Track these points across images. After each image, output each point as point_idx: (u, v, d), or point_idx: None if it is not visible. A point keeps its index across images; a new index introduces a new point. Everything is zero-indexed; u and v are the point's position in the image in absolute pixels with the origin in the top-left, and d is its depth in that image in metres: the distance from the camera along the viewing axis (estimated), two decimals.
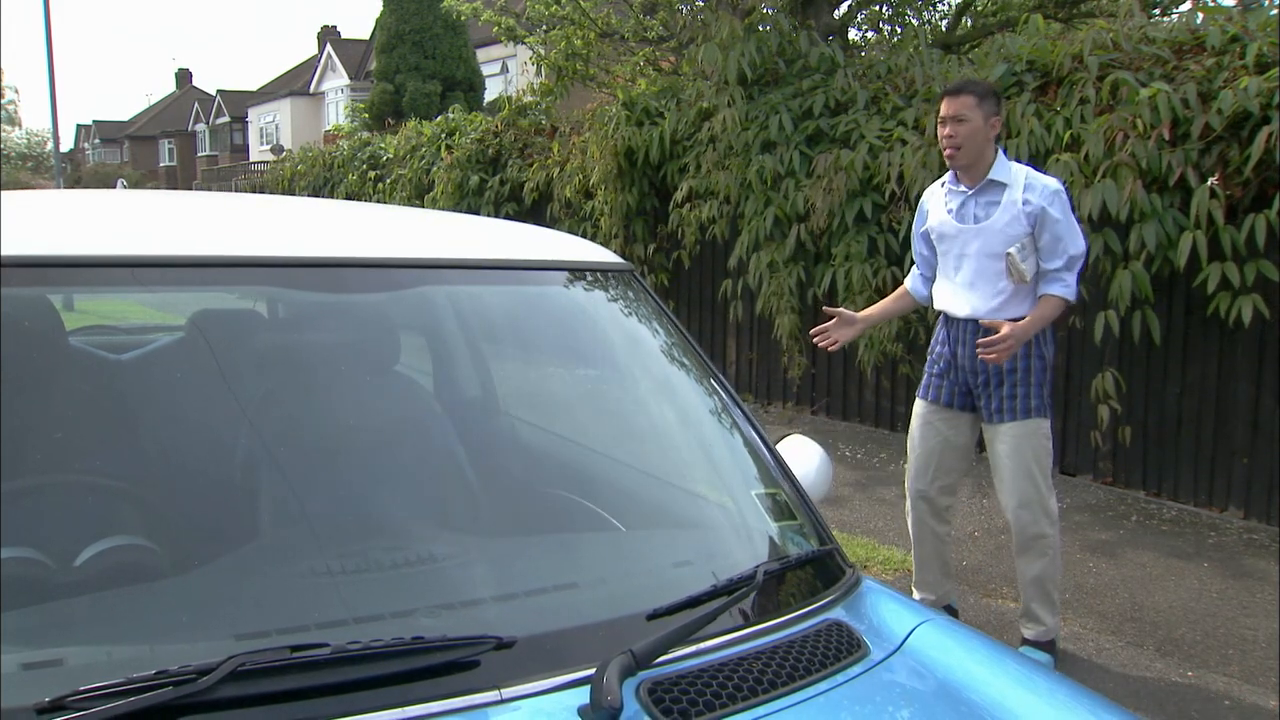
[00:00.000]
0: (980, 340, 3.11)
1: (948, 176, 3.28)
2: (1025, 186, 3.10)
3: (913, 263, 3.54)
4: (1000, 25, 8.36)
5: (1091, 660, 3.39)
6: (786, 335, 6.63)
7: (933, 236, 3.33)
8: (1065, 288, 3.12)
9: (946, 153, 3.18)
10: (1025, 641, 3.31)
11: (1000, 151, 3.20)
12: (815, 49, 6.74)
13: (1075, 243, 3.11)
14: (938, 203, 3.31)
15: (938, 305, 3.35)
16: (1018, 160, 3.23)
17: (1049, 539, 3.21)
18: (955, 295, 3.25)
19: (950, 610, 3.58)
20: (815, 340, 3.44)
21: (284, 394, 1.53)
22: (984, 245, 3.14)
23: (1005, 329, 3.05)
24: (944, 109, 3.16)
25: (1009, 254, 3.07)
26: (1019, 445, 3.18)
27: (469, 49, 23.98)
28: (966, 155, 3.14)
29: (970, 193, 3.19)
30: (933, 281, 3.42)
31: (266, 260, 1.46)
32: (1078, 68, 5.16)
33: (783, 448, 1.86)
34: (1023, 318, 3.10)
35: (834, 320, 3.42)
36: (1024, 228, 3.08)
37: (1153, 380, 5.05)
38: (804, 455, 1.88)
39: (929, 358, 3.42)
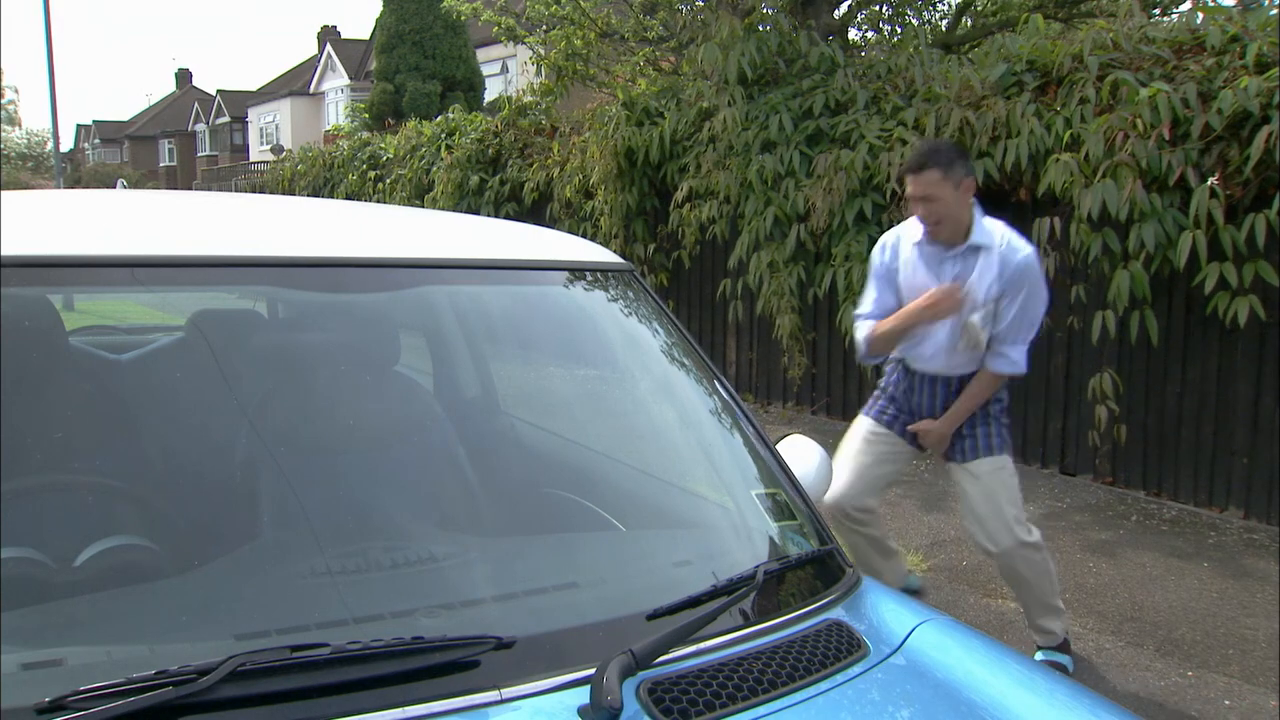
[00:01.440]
0: (911, 427, 3.11)
1: (918, 232, 3.08)
2: (1003, 250, 2.96)
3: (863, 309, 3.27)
4: (1000, 25, 8.36)
5: (1091, 660, 3.39)
6: (786, 335, 6.63)
7: (902, 289, 3.14)
8: (1010, 365, 3.05)
9: (926, 228, 3.01)
10: (1040, 648, 3.29)
11: (975, 208, 3.03)
12: (815, 49, 6.74)
13: (1037, 315, 3.01)
14: (909, 256, 3.11)
15: (895, 353, 3.24)
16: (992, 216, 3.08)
17: (1030, 559, 3.13)
18: (915, 351, 3.15)
19: (912, 591, 3.58)
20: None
21: (284, 394, 1.53)
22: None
23: (927, 425, 3.11)
24: (910, 188, 2.97)
25: (969, 322, 2.98)
26: (988, 481, 3.12)
27: (469, 49, 23.97)
28: (948, 229, 2.98)
29: (947, 256, 3.04)
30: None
31: (266, 260, 1.46)
32: (1078, 68, 5.16)
33: (783, 448, 1.86)
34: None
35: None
36: (995, 294, 2.97)
37: (1152, 380, 5.05)
38: (804, 455, 1.89)
39: (881, 386, 3.32)
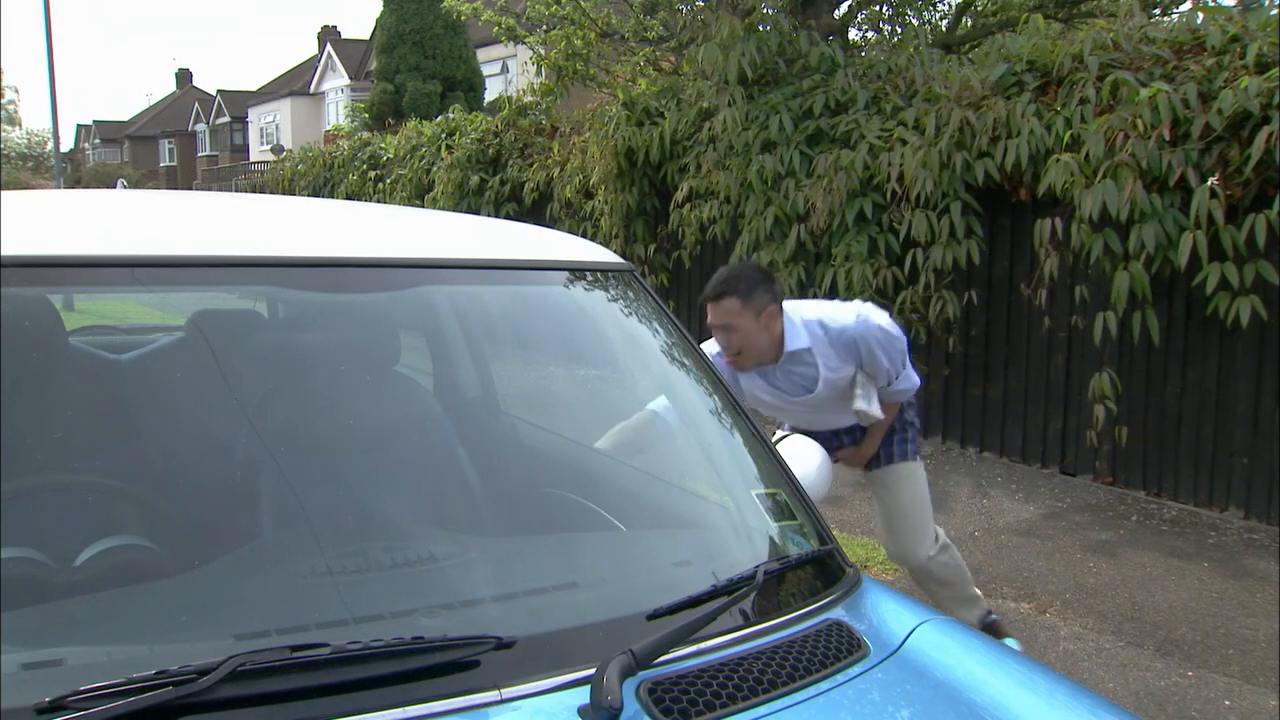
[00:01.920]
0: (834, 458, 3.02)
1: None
2: (829, 338, 2.85)
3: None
4: (1000, 25, 8.36)
5: (1092, 660, 3.39)
6: None
7: (758, 401, 3.05)
8: (903, 393, 3.04)
9: (727, 359, 2.88)
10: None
11: (785, 322, 2.85)
12: (815, 49, 6.74)
13: (900, 348, 2.92)
14: (758, 386, 3.00)
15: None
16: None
17: (944, 563, 3.16)
18: (805, 427, 3.12)
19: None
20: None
21: (284, 394, 1.53)
22: (830, 398, 2.94)
23: (846, 454, 3.12)
24: (710, 316, 2.83)
25: (857, 411, 2.92)
26: (915, 483, 3.16)
27: (469, 49, 23.97)
28: (750, 358, 2.86)
29: (775, 367, 2.92)
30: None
31: (266, 260, 1.46)
32: (1078, 68, 5.16)
33: (783, 448, 1.86)
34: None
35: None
36: (850, 370, 2.89)
37: (1153, 380, 5.05)
38: (804, 455, 1.89)
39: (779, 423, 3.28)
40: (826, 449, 3.08)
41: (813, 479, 1.83)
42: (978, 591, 3.32)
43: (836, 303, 3.01)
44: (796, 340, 2.84)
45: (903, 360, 2.98)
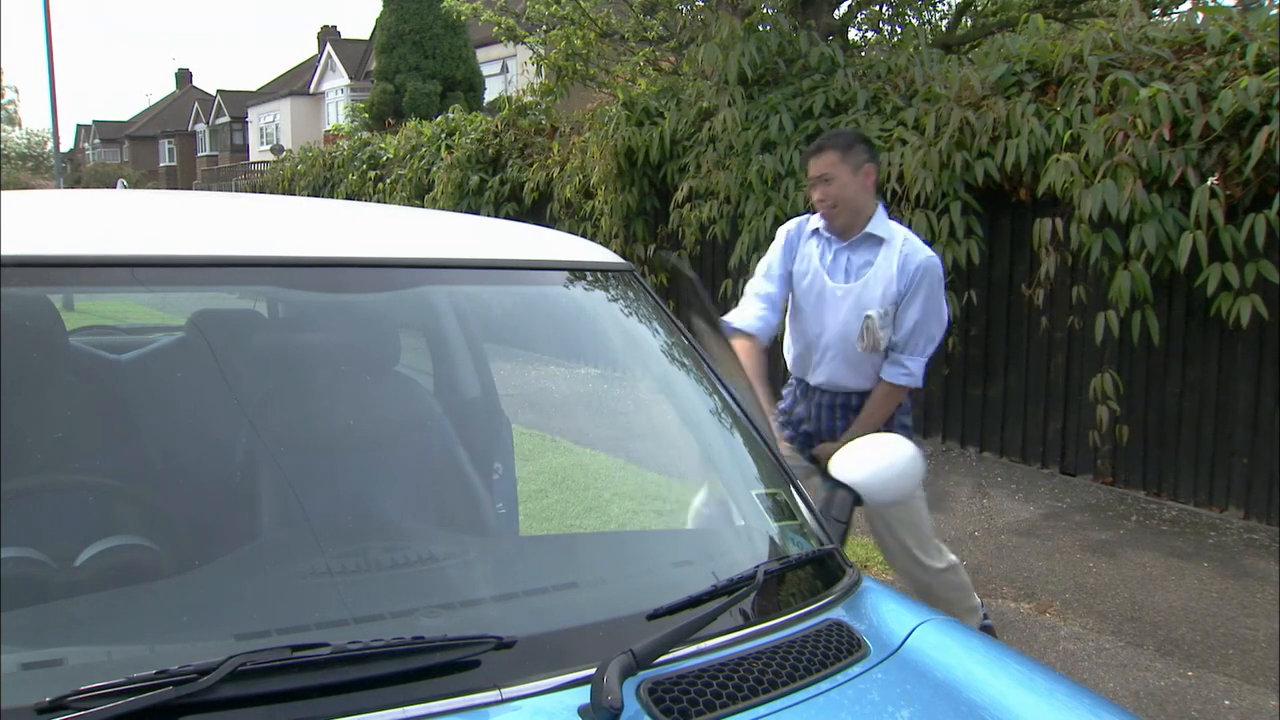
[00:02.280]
0: (814, 451, 2.94)
1: (820, 222, 3.00)
2: (904, 249, 2.89)
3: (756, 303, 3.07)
4: (1000, 25, 8.36)
5: (1091, 660, 3.39)
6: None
7: (798, 287, 3.03)
8: (907, 377, 2.92)
9: (821, 212, 2.94)
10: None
11: (880, 206, 2.97)
12: (815, 49, 6.74)
13: (938, 324, 2.91)
14: (808, 249, 3.01)
15: (794, 369, 3.13)
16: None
17: (948, 582, 3.09)
18: (812, 361, 3.03)
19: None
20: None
21: (284, 394, 1.53)
22: (853, 309, 2.91)
23: (827, 448, 2.86)
24: (810, 169, 2.93)
25: (868, 315, 2.86)
26: (902, 508, 2.97)
27: (469, 49, 23.97)
28: (843, 213, 2.90)
29: (844, 246, 2.95)
30: (775, 323, 3.06)
31: (266, 260, 1.46)
32: (1078, 68, 5.16)
33: (870, 443, 1.81)
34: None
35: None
36: (894, 293, 2.87)
37: (1153, 380, 5.05)
38: (895, 451, 1.83)
39: (780, 409, 3.19)
40: (808, 438, 3.09)
41: (903, 470, 1.76)
42: (977, 601, 3.25)
43: None
44: (882, 227, 2.93)
45: (929, 338, 2.93)
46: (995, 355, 5.82)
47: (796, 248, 3.05)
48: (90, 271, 1.34)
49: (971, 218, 5.55)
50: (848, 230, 2.95)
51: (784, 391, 3.22)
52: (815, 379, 3.05)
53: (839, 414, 3.06)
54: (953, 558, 3.14)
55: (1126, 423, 5.10)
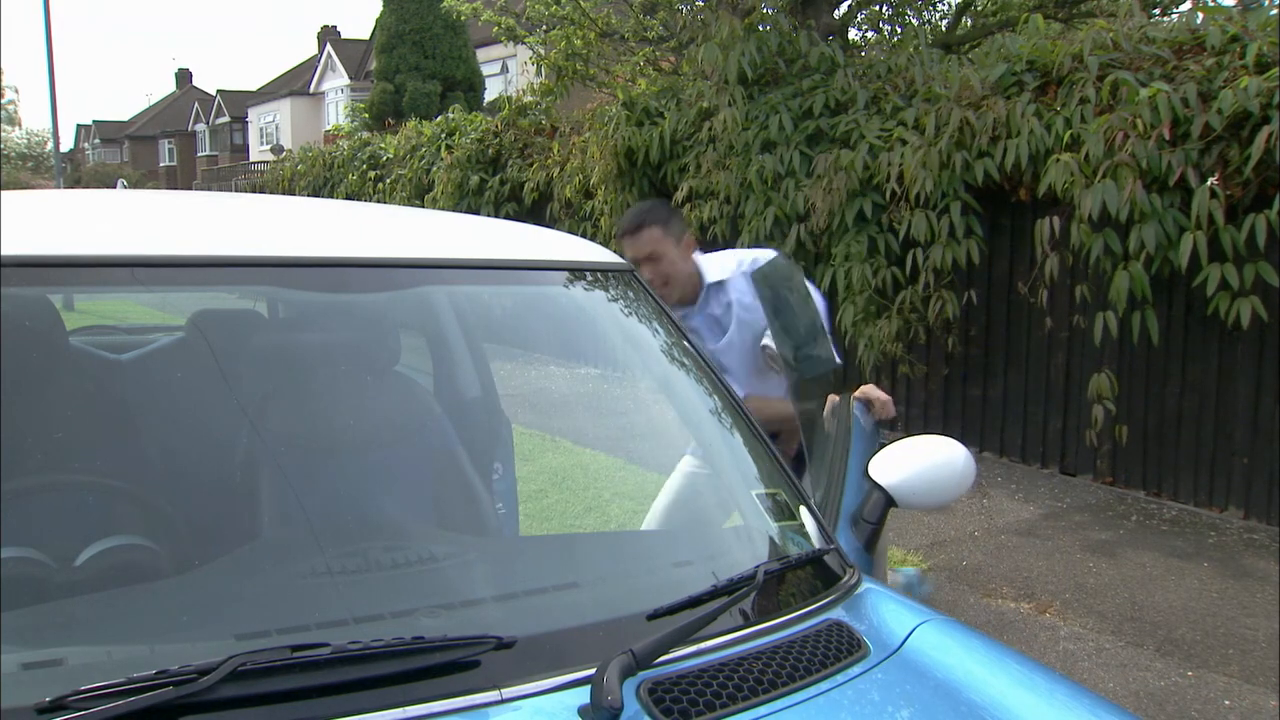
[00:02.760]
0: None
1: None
2: (746, 268, 2.78)
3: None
4: (1000, 25, 8.36)
5: (1091, 660, 3.39)
6: None
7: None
8: (822, 363, 2.70)
9: (660, 292, 2.72)
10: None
11: (697, 257, 2.84)
12: (815, 49, 6.74)
13: (817, 307, 2.76)
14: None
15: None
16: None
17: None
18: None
19: None
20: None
21: (284, 394, 1.53)
22: (741, 352, 2.81)
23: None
24: (630, 251, 2.74)
25: (764, 346, 2.75)
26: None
27: (469, 49, 23.97)
28: (677, 287, 2.79)
29: (695, 310, 2.83)
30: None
31: (266, 260, 1.46)
32: (1078, 68, 5.16)
33: (919, 443, 1.78)
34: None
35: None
36: (760, 316, 2.74)
37: (1153, 380, 5.05)
38: (946, 453, 1.79)
39: None
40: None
41: (959, 474, 1.73)
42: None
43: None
44: (715, 273, 2.80)
45: (820, 316, 2.74)
46: (995, 355, 5.82)
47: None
48: (90, 271, 1.34)
49: (971, 218, 5.55)
50: (689, 298, 2.83)
51: None
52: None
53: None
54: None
55: (1127, 422, 5.10)
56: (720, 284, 2.80)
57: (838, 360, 2.85)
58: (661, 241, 2.74)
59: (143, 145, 49.38)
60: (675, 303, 2.81)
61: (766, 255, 2.82)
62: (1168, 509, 4.93)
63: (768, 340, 2.74)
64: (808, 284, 2.79)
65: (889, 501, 1.67)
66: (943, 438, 1.82)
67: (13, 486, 1.24)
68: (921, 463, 1.72)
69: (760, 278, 2.71)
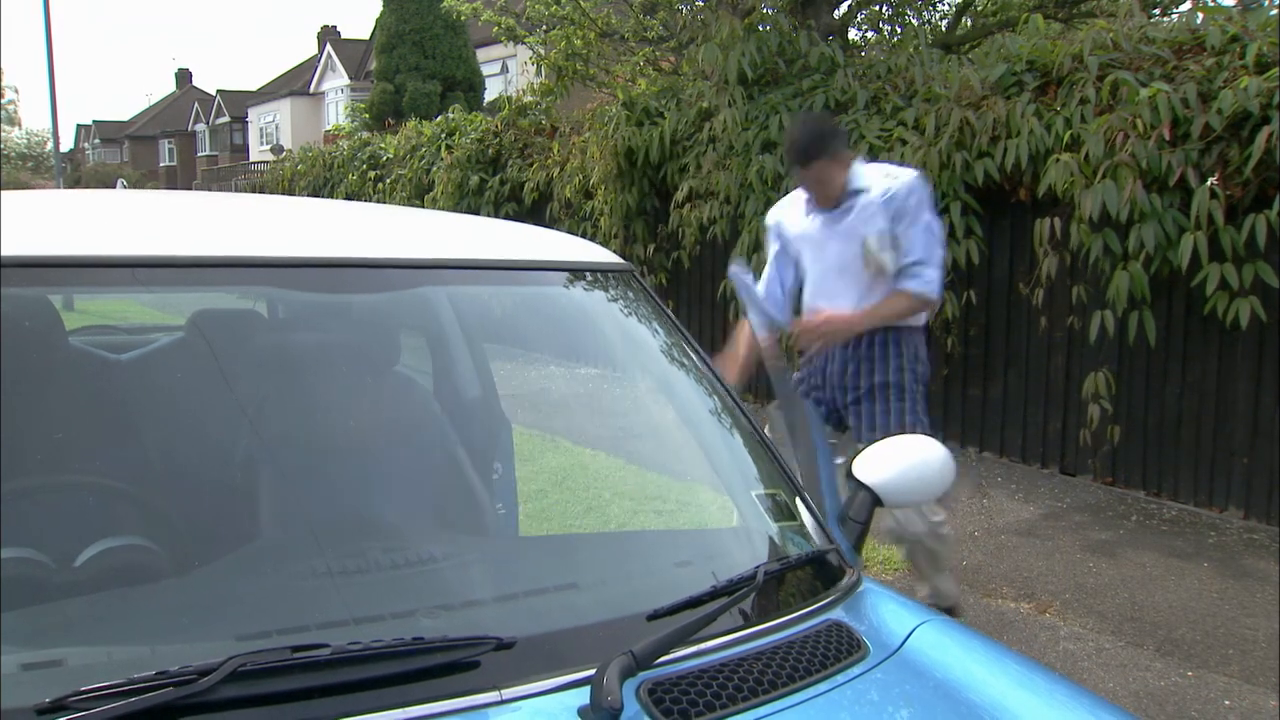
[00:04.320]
0: (798, 323, 3.07)
1: (800, 202, 3.25)
2: (885, 183, 3.07)
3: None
4: (1000, 25, 8.36)
5: (1091, 660, 3.39)
6: (786, 335, 6.63)
7: (794, 251, 3.28)
8: (922, 283, 3.05)
9: (814, 198, 3.16)
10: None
11: (856, 161, 3.16)
12: (815, 49, 6.74)
13: (933, 235, 3.07)
14: (796, 216, 3.25)
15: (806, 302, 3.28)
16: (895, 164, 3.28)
17: (943, 538, 3.18)
18: (829, 308, 3.16)
19: None
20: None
21: (284, 394, 1.53)
22: (842, 247, 3.09)
23: (822, 316, 3.04)
24: (802, 175, 3.13)
25: (865, 241, 3.02)
26: None
27: (469, 49, 23.97)
28: (832, 195, 3.12)
29: (834, 210, 3.15)
30: (782, 304, 3.38)
31: (266, 260, 1.46)
32: (1078, 68, 5.16)
33: (902, 443, 1.80)
34: (898, 326, 3.07)
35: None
36: (882, 222, 3.03)
37: (1153, 380, 5.05)
38: (927, 453, 1.81)
39: (800, 371, 3.33)
40: (824, 392, 3.18)
41: (937, 474, 1.75)
42: (949, 569, 3.38)
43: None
44: (859, 180, 3.10)
45: (938, 243, 3.06)
46: (995, 355, 5.82)
47: (783, 226, 3.28)
48: (90, 271, 1.34)
49: (971, 218, 5.55)
50: (835, 200, 3.13)
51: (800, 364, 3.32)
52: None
53: (850, 360, 3.14)
54: (943, 516, 3.25)
55: (1126, 423, 5.10)
56: (857, 193, 3.09)
57: (935, 291, 3.07)
58: (828, 168, 3.07)
59: (143, 145, 49.38)
60: (824, 205, 3.14)
61: (905, 176, 3.08)
62: (1167, 509, 4.93)
63: (870, 238, 3.01)
64: (936, 219, 3.09)
65: (875, 500, 1.67)
66: (921, 437, 1.87)
67: (13, 486, 1.24)
68: (904, 461, 1.74)
69: (905, 193, 3.01)
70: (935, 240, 3.07)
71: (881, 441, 1.81)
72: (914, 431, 3.06)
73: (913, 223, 3.02)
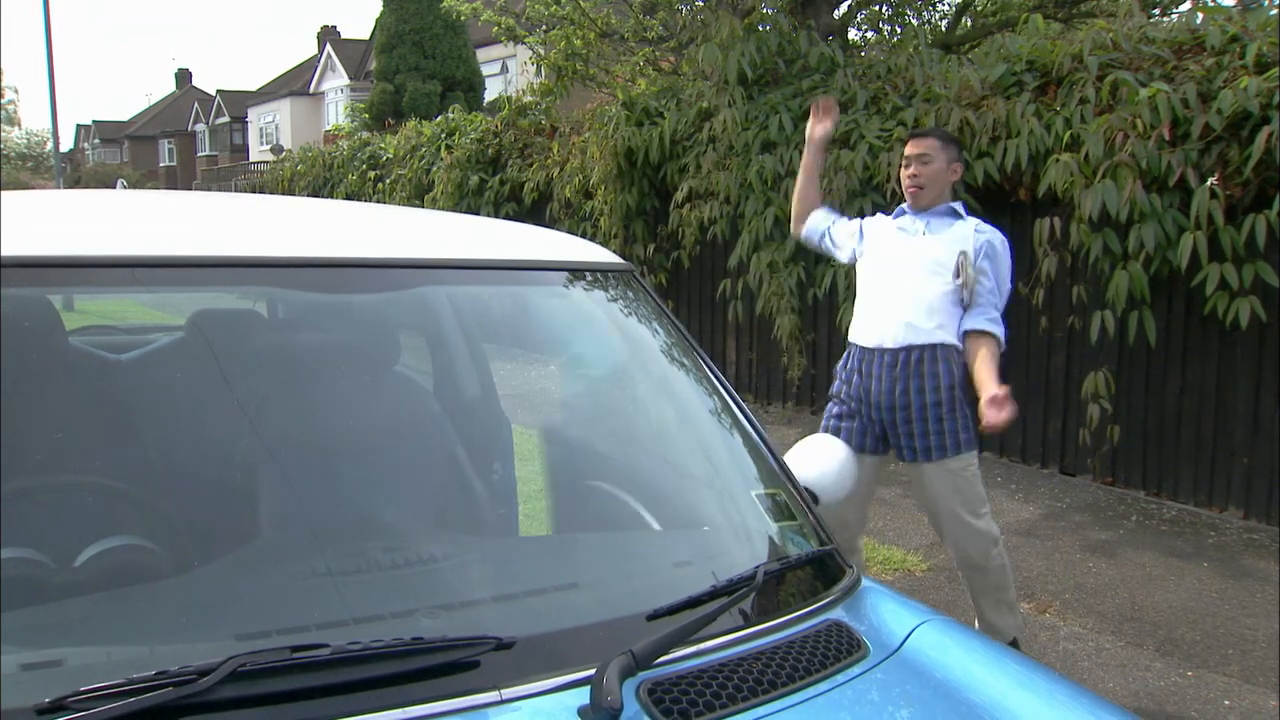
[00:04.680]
0: (989, 402, 2.88)
1: (898, 214, 3.25)
2: (975, 223, 3.13)
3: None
4: (1000, 25, 8.36)
5: (1091, 660, 3.39)
6: (786, 335, 6.63)
7: (863, 257, 3.27)
8: (999, 327, 3.08)
9: (909, 190, 3.16)
10: None
11: (959, 202, 3.23)
12: (815, 49, 6.74)
13: (1006, 286, 3.13)
14: (885, 229, 3.25)
15: (855, 337, 3.21)
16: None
17: (993, 559, 3.10)
18: (881, 318, 3.12)
19: None
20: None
21: (284, 394, 1.53)
22: (932, 256, 3.07)
23: (1000, 393, 2.89)
24: (910, 149, 3.18)
25: (963, 252, 3.03)
26: (947, 485, 3.06)
27: (469, 49, 23.97)
28: (928, 195, 3.13)
29: (921, 214, 3.17)
30: (821, 238, 3.42)
31: (266, 260, 1.46)
32: (1078, 68, 5.16)
33: (805, 446, 1.83)
34: (945, 342, 3.04)
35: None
36: (973, 254, 3.05)
37: (1152, 380, 5.05)
38: (827, 454, 1.84)
39: (832, 397, 3.26)
40: (867, 412, 3.15)
41: (834, 477, 1.79)
42: (1014, 597, 3.23)
43: None
44: (960, 208, 3.20)
45: (1005, 294, 3.12)
46: None
47: (865, 232, 3.32)
48: (90, 271, 1.34)
49: None
50: (929, 205, 3.16)
51: (838, 374, 3.27)
52: (883, 339, 3.09)
53: (899, 379, 3.06)
54: (998, 531, 3.18)
55: (1126, 422, 5.10)
56: (955, 213, 3.16)
57: (1001, 337, 3.12)
58: (937, 150, 3.13)
59: (143, 145, 49.38)
60: (920, 206, 3.17)
61: (995, 231, 3.14)
62: (1167, 509, 4.93)
63: (966, 249, 3.05)
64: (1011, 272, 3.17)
65: (814, 499, 1.69)
66: (824, 435, 1.94)
67: (13, 486, 1.24)
68: (824, 459, 1.82)
69: (992, 241, 3.08)
70: (1008, 290, 3.15)
71: (800, 442, 1.87)
72: (966, 450, 3.08)
73: (999, 264, 3.08)
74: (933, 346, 3.04)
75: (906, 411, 3.05)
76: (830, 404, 3.26)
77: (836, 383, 3.25)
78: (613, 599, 1.39)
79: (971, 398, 3.06)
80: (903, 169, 3.20)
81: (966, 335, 3.06)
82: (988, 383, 2.93)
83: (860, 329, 3.18)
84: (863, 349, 3.15)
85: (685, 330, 1.90)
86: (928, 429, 3.05)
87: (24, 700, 0.98)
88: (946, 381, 3.05)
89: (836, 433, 3.17)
